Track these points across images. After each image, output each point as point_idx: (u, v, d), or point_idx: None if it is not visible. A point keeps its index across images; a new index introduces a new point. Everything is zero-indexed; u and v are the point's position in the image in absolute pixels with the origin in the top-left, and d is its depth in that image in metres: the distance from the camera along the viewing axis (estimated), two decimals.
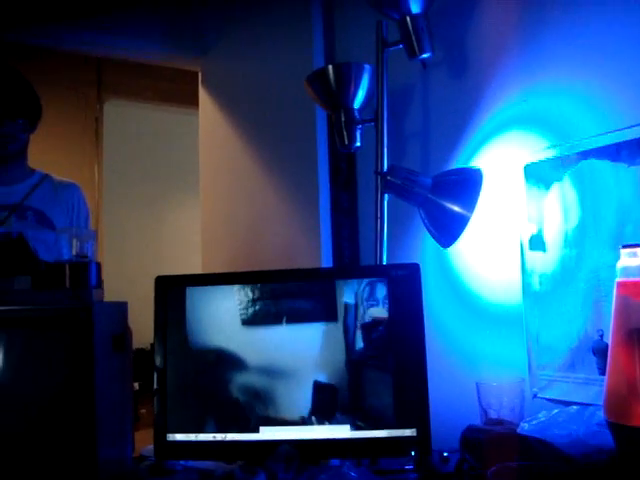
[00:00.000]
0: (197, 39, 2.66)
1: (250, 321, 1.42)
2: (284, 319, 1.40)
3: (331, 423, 1.36)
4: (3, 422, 1.36)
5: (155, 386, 1.43)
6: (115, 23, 2.56)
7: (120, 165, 4.13)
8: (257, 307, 1.42)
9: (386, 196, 1.62)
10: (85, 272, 1.44)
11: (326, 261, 1.96)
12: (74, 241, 1.44)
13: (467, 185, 1.52)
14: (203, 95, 2.69)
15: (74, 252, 1.44)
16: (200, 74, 2.73)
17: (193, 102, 2.88)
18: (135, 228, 4.64)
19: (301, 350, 1.39)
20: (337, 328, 1.38)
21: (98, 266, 1.45)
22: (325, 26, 2.07)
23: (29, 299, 1.43)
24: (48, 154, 3.59)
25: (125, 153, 4.30)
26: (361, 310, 1.37)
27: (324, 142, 2.01)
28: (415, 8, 1.55)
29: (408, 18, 1.56)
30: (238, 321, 1.42)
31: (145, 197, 4.73)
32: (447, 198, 1.51)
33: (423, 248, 1.75)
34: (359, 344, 1.37)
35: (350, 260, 1.97)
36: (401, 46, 1.62)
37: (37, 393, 1.38)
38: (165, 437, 1.41)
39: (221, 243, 2.44)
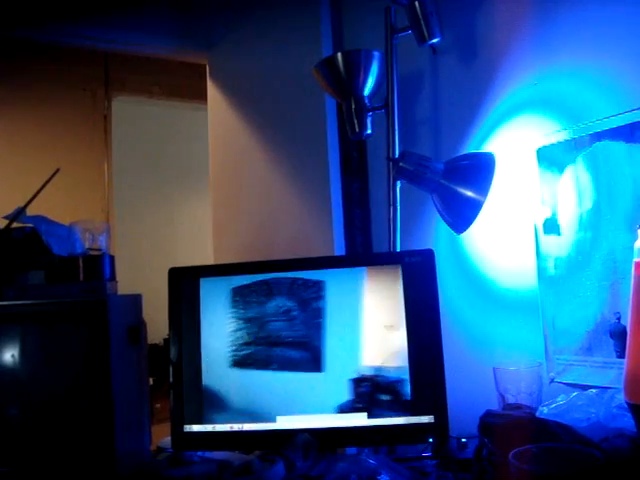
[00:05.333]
0: (204, 31, 2.64)
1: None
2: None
3: (348, 411, 1.35)
4: (21, 416, 1.37)
5: (171, 376, 1.43)
6: (121, 18, 2.55)
7: (130, 160, 4.14)
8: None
9: (398, 183, 1.61)
10: (99, 265, 1.44)
11: (339, 250, 1.95)
12: (87, 234, 1.44)
13: (480, 170, 1.50)
14: (211, 88, 2.68)
15: (87, 245, 1.44)
16: (208, 67, 2.72)
17: (201, 96, 2.87)
18: (146, 223, 4.65)
19: None
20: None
21: (111, 259, 1.45)
22: (333, 14, 2.06)
23: (44, 293, 1.44)
24: (58, 152, 3.61)
25: (134, 148, 4.30)
26: None
27: (334, 131, 2.00)
28: None
29: (417, 3, 1.54)
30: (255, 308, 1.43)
31: (155, 191, 4.73)
32: (460, 183, 1.49)
33: (436, 234, 1.74)
34: None
35: (363, 248, 1.96)
36: (410, 32, 1.61)
37: (54, 386, 1.39)
38: (182, 428, 1.41)
39: (232, 235, 2.44)
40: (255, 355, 1.41)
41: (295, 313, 1.42)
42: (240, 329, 1.43)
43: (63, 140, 3.72)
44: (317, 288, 1.42)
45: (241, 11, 2.46)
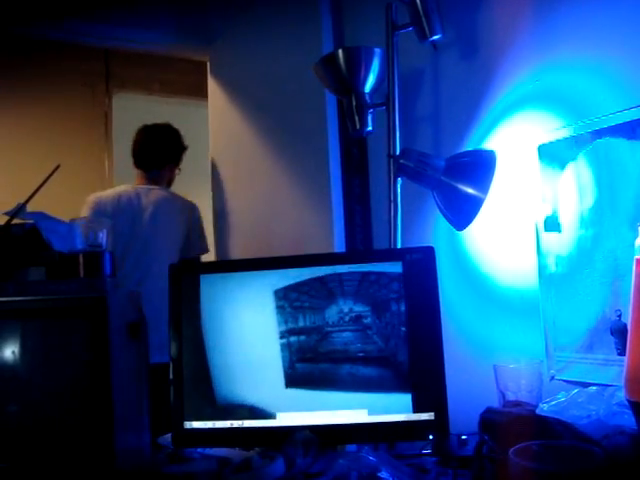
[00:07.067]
0: (204, 28, 2.64)
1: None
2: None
3: (349, 408, 1.35)
4: (21, 411, 1.37)
5: (171, 374, 1.43)
6: (122, 14, 2.55)
7: (130, 157, 4.13)
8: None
9: (399, 180, 1.61)
10: (99, 261, 1.44)
11: (339, 247, 1.95)
12: (87, 231, 1.44)
13: (481, 167, 1.50)
14: (212, 84, 2.68)
15: (88, 242, 1.44)
16: (208, 63, 2.72)
17: (202, 93, 2.87)
18: None
19: None
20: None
21: (112, 255, 1.45)
22: (333, 10, 2.05)
23: (44, 290, 1.44)
24: (59, 148, 3.61)
25: None
26: None
27: (335, 128, 1.99)
28: None
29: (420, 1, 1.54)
30: (251, 309, 1.42)
31: None
32: (461, 180, 1.49)
33: (436, 232, 1.74)
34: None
35: (363, 245, 1.96)
36: (411, 29, 1.60)
37: (54, 382, 1.38)
38: (182, 425, 1.41)
39: (233, 231, 2.43)
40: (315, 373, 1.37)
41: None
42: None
43: (64, 136, 3.71)
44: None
45: (242, 7, 2.45)
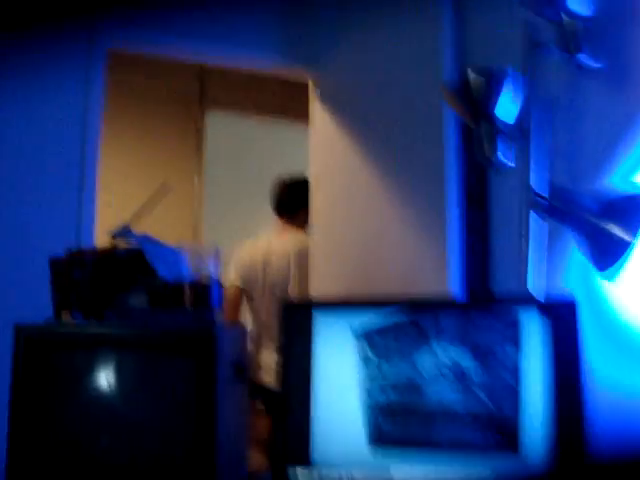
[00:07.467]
0: (308, 47, 2.55)
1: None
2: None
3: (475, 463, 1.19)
4: (112, 446, 1.29)
5: (277, 413, 1.31)
6: (220, 30, 2.50)
7: (222, 177, 4.10)
8: None
9: (533, 216, 1.46)
10: (206, 292, 1.34)
11: (453, 286, 1.79)
12: (196, 259, 1.34)
13: (633, 208, 1.34)
14: (314, 106, 2.57)
15: (195, 270, 1.34)
16: (311, 83, 2.62)
17: (298, 115, 2.80)
18: (236, 242, 4.58)
19: None
20: None
21: (220, 286, 1.35)
22: (455, 25, 1.89)
23: (146, 318, 1.36)
24: (150, 165, 3.62)
25: (227, 165, 4.27)
26: None
27: (454, 155, 1.85)
28: (576, 7, 1.38)
29: (567, 18, 1.39)
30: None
31: (247, 211, 4.67)
32: (612, 222, 1.33)
33: (568, 275, 1.56)
34: None
35: (481, 285, 1.79)
36: (553, 49, 1.46)
37: (150, 419, 1.31)
38: (286, 471, 1.28)
39: (333, 264, 2.29)
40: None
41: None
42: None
43: (156, 152, 3.74)
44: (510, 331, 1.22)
45: (349, 22, 2.33)
